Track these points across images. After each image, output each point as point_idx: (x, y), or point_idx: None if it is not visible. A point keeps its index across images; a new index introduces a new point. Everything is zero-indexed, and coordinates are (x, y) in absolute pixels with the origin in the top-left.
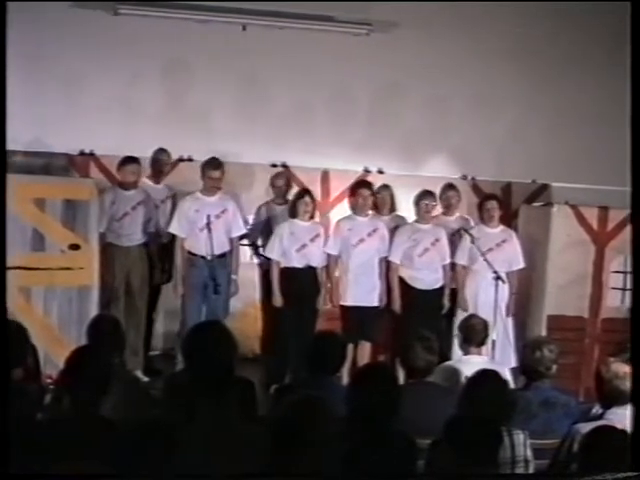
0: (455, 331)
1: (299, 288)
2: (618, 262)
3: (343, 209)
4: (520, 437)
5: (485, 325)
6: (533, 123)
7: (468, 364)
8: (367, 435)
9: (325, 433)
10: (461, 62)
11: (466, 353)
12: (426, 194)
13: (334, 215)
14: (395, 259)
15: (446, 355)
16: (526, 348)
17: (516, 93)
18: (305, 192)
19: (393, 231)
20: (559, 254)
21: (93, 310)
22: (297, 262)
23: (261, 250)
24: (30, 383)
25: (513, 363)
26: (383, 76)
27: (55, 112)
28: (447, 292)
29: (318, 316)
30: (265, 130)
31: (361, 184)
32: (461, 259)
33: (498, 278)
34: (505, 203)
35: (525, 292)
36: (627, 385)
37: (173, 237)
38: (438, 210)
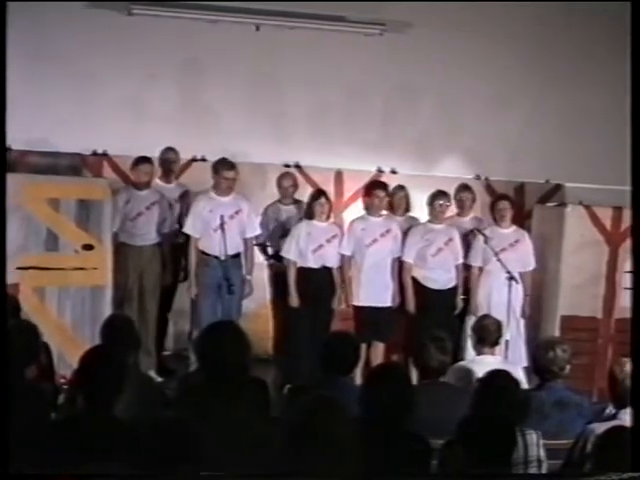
0: (468, 331)
1: (315, 288)
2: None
3: (357, 209)
4: (533, 437)
5: (498, 325)
6: (547, 123)
7: (481, 364)
8: (380, 435)
9: (338, 433)
10: (474, 62)
11: (479, 353)
12: (440, 194)
13: (347, 215)
14: (408, 259)
15: (459, 355)
16: (539, 348)
17: (529, 93)
18: (320, 193)
19: (406, 231)
20: (573, 254)
21: (107, 310)
22: (313, 263)
23: (269, 250)
24: (44, 382)
25: (526, 363)
26: (396, 76)
27: (68, 112)
28: (460, 292)
29: (333, 316)
30: (278, 130)
31: (376, 185)
32: (474, 260)
33: (511, 278)
34: (518, 203)
35: (538, 292)
36: None
37: (187, 237)
38: (452, 210)
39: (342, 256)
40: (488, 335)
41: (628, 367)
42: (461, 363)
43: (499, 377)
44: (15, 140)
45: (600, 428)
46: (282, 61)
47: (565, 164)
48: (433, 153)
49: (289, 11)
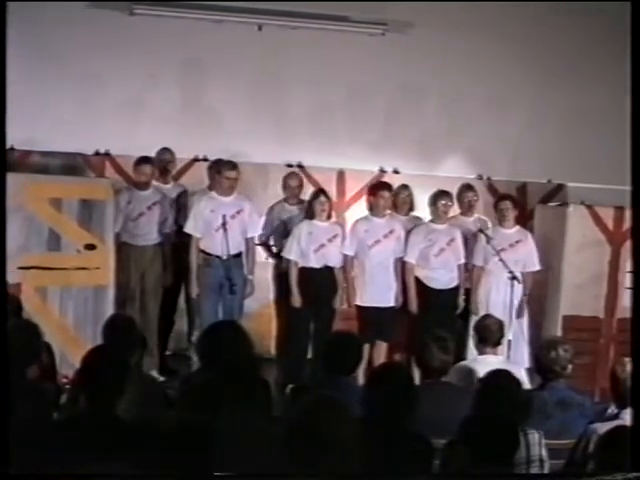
0: (471, 331)
1: (317, 288)
2: None
3: (359, 209)
4: (535, 437)
5: (500, 325)
6: (549, 123)
7: (483, 364)
8: (383, 435)
9: (341, 433)
10: (477, 62)
11: (481, 353)
12: (442, 194)
13: (350, 215)
14: (411, 259)
15: (461, 355)
16: (541, 348)
17: (531, 93)
18: (320, 192)
19: (409, 231)
20: (575, 254)
21: (109, 310)
22: (315, 262)
23: (274, 250)
24: (46, 382)
25: (528, 363)
26: (399, 76)
27: (71, 112)
28: (462, 292)
29: (335, 316)
30: (280, 130)
31: (381, 186)
32: (477, 260)
33: (514, 278)
34: (521, 203)
35: (540, 292)
36: None
37: (188, 237)
38: (454, 210)
39: (345, 256)
40: (490, 335)
41: (630, 367)
42: (463, 363)
43: (501, 377)
44: (17, 140)
45: (602, 428)
46: (285, 61)
47: (567, 164)
48: (435, 153)
49: (292, 11)
